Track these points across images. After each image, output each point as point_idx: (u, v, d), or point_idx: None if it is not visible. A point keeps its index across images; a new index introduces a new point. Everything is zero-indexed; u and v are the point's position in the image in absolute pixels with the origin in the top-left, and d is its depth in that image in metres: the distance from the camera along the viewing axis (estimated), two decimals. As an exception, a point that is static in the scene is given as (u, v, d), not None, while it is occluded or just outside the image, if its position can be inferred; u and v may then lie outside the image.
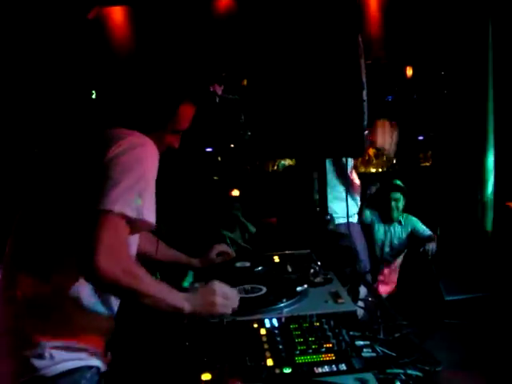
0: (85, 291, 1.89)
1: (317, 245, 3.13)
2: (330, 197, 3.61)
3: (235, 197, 6.62)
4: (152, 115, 2.12)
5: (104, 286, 1.79)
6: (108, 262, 1.71)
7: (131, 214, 1.82)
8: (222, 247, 2.95)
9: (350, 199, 4.03)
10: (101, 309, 1.98)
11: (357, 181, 4.64)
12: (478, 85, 6.40)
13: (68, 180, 1.93)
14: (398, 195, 5.48)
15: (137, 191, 1.84)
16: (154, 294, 1.85)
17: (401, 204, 5.50)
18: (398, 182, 5.63)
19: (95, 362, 1.93)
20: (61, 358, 1.83)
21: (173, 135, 2.21)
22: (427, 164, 8.05)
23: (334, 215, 3.65)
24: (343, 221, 4.01)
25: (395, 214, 5.49)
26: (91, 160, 1.89)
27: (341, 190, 4.23)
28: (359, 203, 4.74)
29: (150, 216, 1.89)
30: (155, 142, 2.05)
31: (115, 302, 2.05)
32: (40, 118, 6.43)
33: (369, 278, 4.21)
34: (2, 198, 4.89)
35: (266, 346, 1.88)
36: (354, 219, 4.55)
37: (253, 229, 6.78)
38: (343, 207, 3.78)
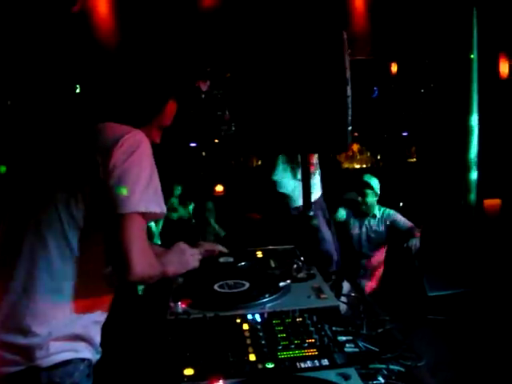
0: (86, 284, 1.90)
1: (299, 240, 3.13)
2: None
3: (212, 196, 6.63)
4: (141, 110, 2.15)
5: (135, 283, 1.96)
6: (142, 266, 1.85)
7: (157, 209, 1.94)
8: (212, 246, 2.93)
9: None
10: (99, 302, 1.99)
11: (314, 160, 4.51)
12: (463, 80, 6.43)
13: (72, 181, 1.94)
14: (365, 190, 5.50)
15: (153, 187, 1.94)
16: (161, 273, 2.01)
17: (370, 199, 5.50)
18: (367, 178, 5.62)
19: (88, 354, 1.94)
20: (56, 348, 1.83)
21: (157, 131, 2.24)
22: (412, 160, 8.10)
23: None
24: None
25: (364, 208, 5.51)
26: (96, 161, 1.90)
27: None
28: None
29: (164, 206, 2.01)
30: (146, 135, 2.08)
31: (111, 296, 2.06)
32: (25, 113, 6.39)
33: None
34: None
35: (248, 342, 1.88)
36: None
37: (222, 233, 6.80)
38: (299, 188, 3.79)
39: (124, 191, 1.86)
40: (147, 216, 1.93)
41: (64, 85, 6.64)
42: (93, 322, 1.97)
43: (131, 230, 1.84)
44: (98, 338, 2.00)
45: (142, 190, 1.89)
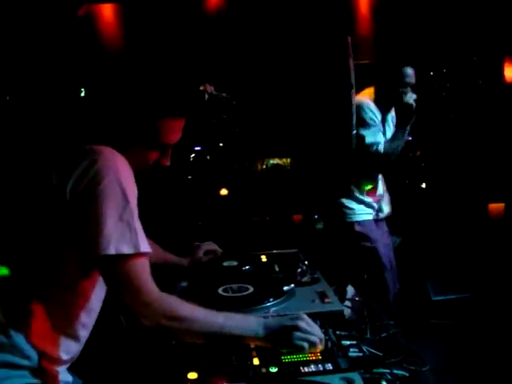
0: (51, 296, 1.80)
1: (305, 244, 3.14)
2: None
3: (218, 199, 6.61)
4: (125, 128, 1.89)
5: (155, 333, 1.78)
6: (146, 317, 1.69)
7: (130, 250, 1.69)
8: (210, 245, 2.94)
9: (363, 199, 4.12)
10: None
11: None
12: (468, 84, 6.43)
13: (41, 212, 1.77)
14: None
15: (126, 222, 1.71)
16: (217, 329, 1.76)
17: None
18: None
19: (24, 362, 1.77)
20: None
21: (158, 151, 1.97)
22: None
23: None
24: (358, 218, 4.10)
25: None
26: (63, 192, 1.71)
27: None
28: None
29: (142, 245, 1.74)
30: (135, 157, 1.89)
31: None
32: (25, 118, 6.39)
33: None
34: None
35: (252, 346, 1.88)
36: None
37: None
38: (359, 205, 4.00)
39: (90, 230, 1.67)
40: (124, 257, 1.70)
41: (69, 89, 6.64)
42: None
43: (117, 275, 1.70)
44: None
45: (112, 229, 1.67)
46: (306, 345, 1.77)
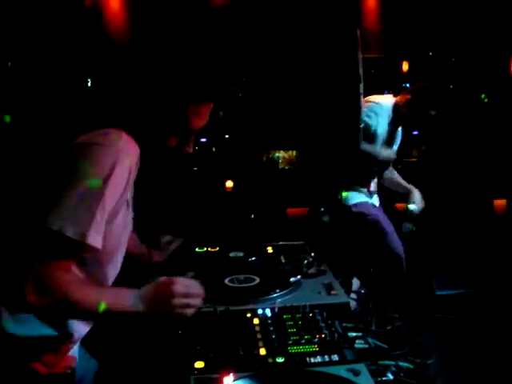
0: None
1: (311, 236, 3.15)
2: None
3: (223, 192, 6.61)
4: (152, 111, 1.85)
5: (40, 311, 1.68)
6: (38, 297, 1.57)
7: (72, 234, 1.60)
8: (167, 237, 2.76)
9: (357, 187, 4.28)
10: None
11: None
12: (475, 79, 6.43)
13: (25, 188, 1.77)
14: None
15: (86, 207, 1.62)
16: (103, 308, 1.67)
17: None
18: None
19: None
20: None
21: (178, 136, 1.92)
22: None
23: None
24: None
25: None
26: (45, 165, 1.71)
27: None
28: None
29: (97, 239, 1.66)
30: (156, 143, 1.87)
31: None
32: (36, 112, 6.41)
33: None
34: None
35: (259, 336, 1.89)
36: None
37: None
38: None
39: (49, 199, 1.60)
40: (72, 244, 1.61)
41: (76, 79, 6.65)
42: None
43: (44, 249, 1.59)
44: None
45: (69, 205, 1.59)
46: (188, 312, 1.78)
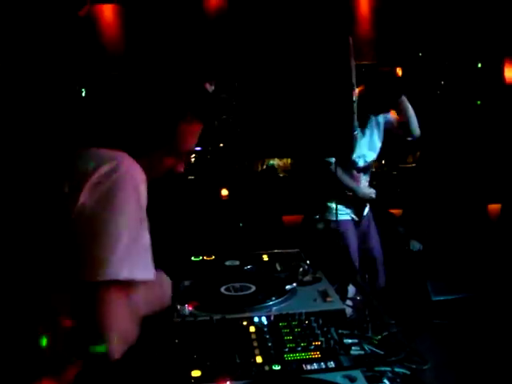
0: None
1: (306, 244, 3.15)
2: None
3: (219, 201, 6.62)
4: (145, 132, 1.76)
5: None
6: (122, 350, 1.53)
7: (144, 276, 1.56)
8: None
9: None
10: None
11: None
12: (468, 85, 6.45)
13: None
14: None
15: (139, 245, 1.56)
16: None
17: None
18: None
19: None
20: None
21: (175, 157, 1.86)
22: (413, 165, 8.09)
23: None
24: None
25: None
26: (63, 192, 1.53)
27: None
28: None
29: (153, 271, 1.62)
30: (151, 163, 1.77)
31: None
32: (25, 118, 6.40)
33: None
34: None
35: (255, 344, 1.89)
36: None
37: None
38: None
39: (100, 250, 1.47)
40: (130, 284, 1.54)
41: (69, 89, 6.66)
42: None
43: (109, 304, 1.48)
44: None
45: (126, 250, 1.49)
46: None
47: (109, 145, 1.68)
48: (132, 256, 1.51)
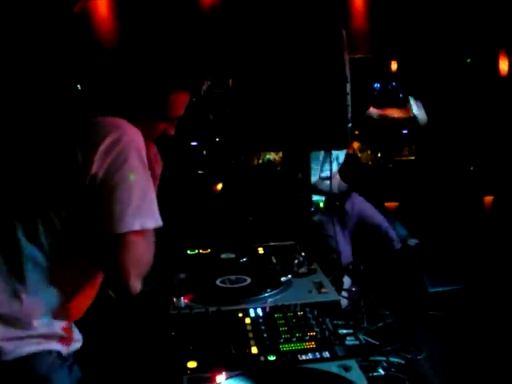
0: (66, 287, 1.85)
1: (301, 236, 3.16)
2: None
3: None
4: (140, 104, 2.00)
5: None
6: (139, 283, 1.77)
7: (153, 225, 1.80)
8: None
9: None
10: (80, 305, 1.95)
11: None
12: (462, 78, 6.46)
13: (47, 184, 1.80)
14: None
15: (148, 199, 1.80)
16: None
17: None
18: None
19: (57, 346, 1.85)
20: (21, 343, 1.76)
21: (167, 122, 2.10)
22: (411, 158, 8.10)
23: None
24: None
25: None
26: (76, 157, 1.75)
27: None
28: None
29: (160, 220, 1.84)
30: (147, 128, 1.98)
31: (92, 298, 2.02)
32: (25, 111, 6.40)
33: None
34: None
35: (250, 335, 1.91)
36: None
37: None
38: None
39: (116, 208, 1.72)
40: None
41: (66, 83, 6.65)
42: (72, 323, 1.94)
43: (127, 251, 1.73)
44: (65, 328, 1.90)
45: (138, 205, 1.74)
46: None
47: (113, 114, 1.93)
48: (142, 209, 1.75)
